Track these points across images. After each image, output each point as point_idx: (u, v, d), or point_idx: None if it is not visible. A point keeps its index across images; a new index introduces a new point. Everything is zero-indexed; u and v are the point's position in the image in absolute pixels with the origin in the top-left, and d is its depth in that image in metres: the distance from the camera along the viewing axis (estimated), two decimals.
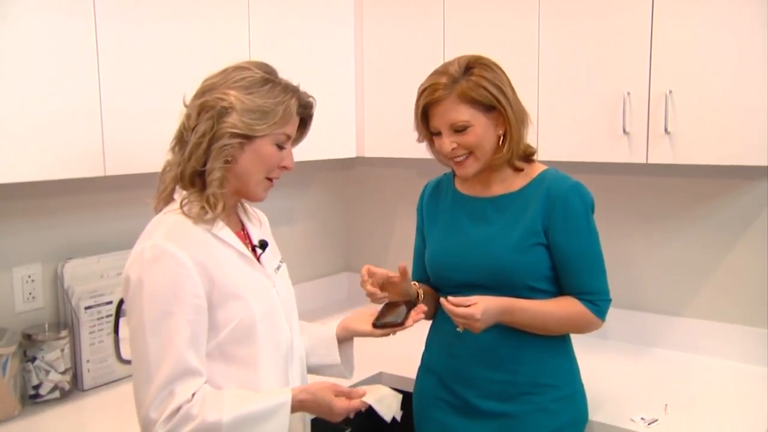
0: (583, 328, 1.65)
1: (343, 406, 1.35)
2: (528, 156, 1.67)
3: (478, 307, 1.52)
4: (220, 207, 1.33)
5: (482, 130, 1.59)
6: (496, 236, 1.63)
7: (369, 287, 1.56)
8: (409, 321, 1.53)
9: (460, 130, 1.58)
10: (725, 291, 2.17)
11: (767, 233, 2.09)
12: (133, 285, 1.27)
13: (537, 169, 1.68)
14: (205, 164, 1.32)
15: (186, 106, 1.37)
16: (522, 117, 1.63)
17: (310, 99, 1.44)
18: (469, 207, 1.70)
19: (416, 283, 1.70)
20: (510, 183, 1.67)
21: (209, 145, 1.31)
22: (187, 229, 1.32)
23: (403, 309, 1.56)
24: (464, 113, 1.57)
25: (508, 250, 1.61)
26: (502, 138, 1.62)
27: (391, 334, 1.56)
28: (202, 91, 1.35)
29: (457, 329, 1.57)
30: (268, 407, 1.30)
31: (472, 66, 1.59)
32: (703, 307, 2.21)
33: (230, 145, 1.31)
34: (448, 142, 1.60)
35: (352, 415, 1.38)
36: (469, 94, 1.56)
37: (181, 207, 1.33)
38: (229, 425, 1.25)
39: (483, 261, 1.63)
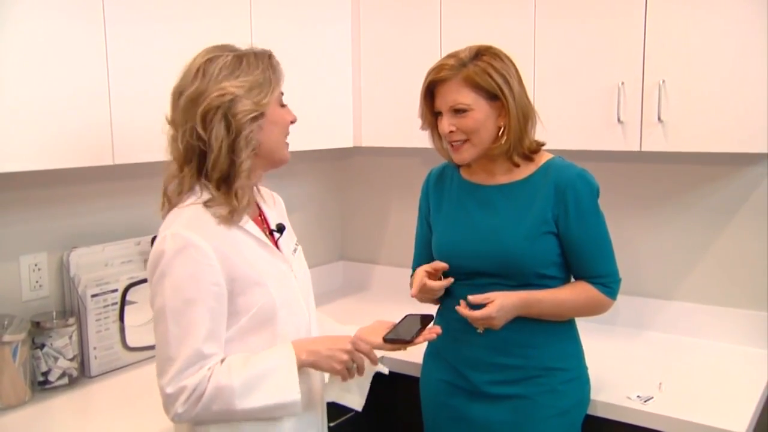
0: (596, 311, 1.69)
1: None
2: (532, 152, 1.66)
3: (494, 305, 1.54)
4: (245, 201, 1.35)
5: (482, 116, 1.60)
6: (505, 225, 1.64)
7: (429, 283, 1.63)
8: (420, 338, 1.52)
9: (460, 111, 1.60)
10: (717, 275, 2.23)
11: (757, 218, 2.15)
12: (157, 273, 1.30)
13: (543, 157, 1.69)
14: (232, 162, 1.33)
15: (171, 123, 1.36)
16: (526, 112, 1.62)
17: (265, 49, 1.43)
18: (476, 194, 1.71)
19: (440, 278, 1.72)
20: (515, 172, 1.68)
21: (233, 141, 1.32)
22: (207, 219, 1.34)
23: (416, 325, 1.56)
24: (466, 96, 1.59)
25: (518, 240, 1.62)
26: (502, 129, 1.62)
27: (402, 350, 1.57)
28: (192, 101, 1.32)
29: (478, 331, 1.60)
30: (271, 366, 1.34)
31: (483, 53, 1.61)
32: (695, 291, 2.27)
33: (252, 129, 1.33)
34: (447, 124, 1.62)
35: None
36: (473, 78, 1.58)
37: (206, 207, 1.34)
38: (240, 387, 1.29)
39: (493, 251, 1.64)
